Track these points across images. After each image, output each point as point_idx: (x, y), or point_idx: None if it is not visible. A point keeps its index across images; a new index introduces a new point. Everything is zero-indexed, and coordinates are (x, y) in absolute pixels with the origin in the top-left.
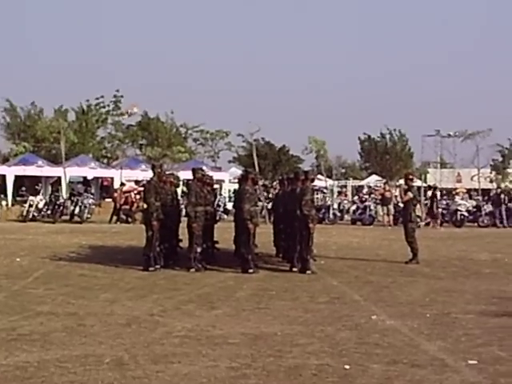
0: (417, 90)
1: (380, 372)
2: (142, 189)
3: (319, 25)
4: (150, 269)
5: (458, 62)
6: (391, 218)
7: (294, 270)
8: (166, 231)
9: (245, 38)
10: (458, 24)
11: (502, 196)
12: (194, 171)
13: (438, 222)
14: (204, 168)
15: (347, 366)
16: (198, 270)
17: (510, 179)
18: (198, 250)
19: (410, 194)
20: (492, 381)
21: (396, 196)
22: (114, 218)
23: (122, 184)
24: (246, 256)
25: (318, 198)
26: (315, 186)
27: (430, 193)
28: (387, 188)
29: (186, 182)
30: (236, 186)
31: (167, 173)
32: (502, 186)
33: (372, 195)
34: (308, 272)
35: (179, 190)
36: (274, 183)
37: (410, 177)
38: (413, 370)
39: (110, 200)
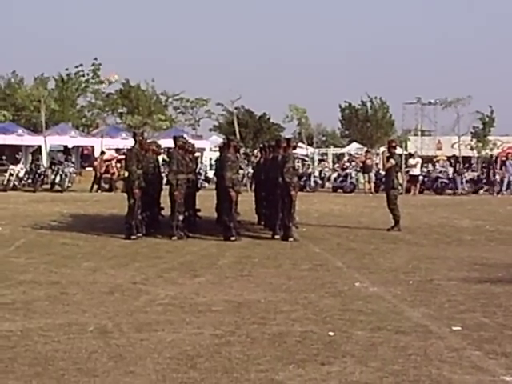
0: (398, 58)
1: (364, 338)
2: (122, 157)
3: None
4: (132, 237)
5: (440, 28)
6: (372, 185)
7: (277, 237)
8: (148, 199)
9: (226, 5)
10: None
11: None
12: (176, 139)
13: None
14: (185, 136)
15: (331, 333)
16: (180, 237)
17: (491, 147)
18: (180, 217)
19: (393, 161)
20: (476, 347)
21: (377, 163)
22: (95, 186)
23: (103, 152)
24: (228, 224)
25: (299, 166)
26: (296, 153)
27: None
28: (368, 156)
29: (167, 150)
30: (217, 155)
31: (149, 141)
32: (483, 153)
33: (353, 163)
34: (290, 239)
35: (160, 158)
36: (255, 151)
37: (393, 144)
38: (397, 336)
39: (90, 169)
